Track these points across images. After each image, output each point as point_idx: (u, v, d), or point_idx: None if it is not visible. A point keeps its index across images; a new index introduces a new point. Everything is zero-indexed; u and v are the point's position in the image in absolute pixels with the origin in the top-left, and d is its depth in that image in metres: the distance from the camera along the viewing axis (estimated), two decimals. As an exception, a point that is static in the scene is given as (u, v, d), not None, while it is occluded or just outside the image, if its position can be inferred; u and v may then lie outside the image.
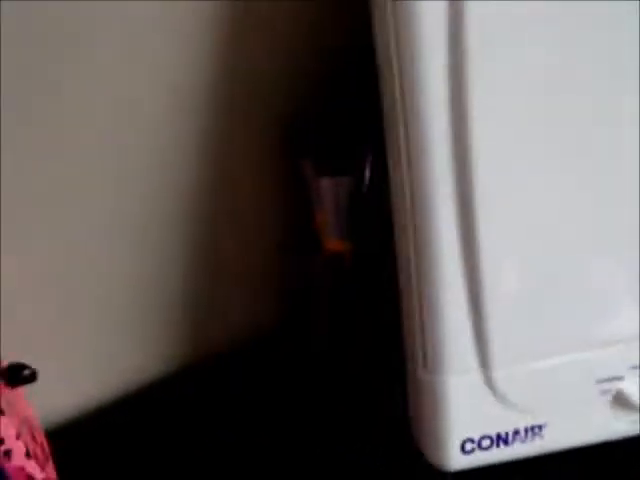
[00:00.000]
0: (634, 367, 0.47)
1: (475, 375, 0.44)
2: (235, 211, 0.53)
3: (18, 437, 0.36)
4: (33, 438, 0.39)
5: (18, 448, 0.36)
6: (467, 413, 0.46)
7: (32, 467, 0.36)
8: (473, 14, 0.37)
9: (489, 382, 0.45)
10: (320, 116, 0.49)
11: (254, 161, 0.52)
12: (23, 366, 0.38)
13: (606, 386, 0.47)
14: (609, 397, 0.47)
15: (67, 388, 0.51)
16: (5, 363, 0.39)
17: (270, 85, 0.51)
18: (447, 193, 0.41)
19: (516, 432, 0.46)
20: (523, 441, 0.47)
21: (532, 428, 0.47)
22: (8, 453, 0.35)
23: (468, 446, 0.46)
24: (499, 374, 0.44)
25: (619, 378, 0.46)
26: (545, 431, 0.47)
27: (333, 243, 0.50)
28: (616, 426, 0.48)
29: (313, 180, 0.50)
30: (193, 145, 0.50)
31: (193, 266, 0.54)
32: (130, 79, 0.46)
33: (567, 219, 0.43)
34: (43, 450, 0.40)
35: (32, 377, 0.38)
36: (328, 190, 0.50)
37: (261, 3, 0.48)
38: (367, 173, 0.47)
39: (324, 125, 0.49)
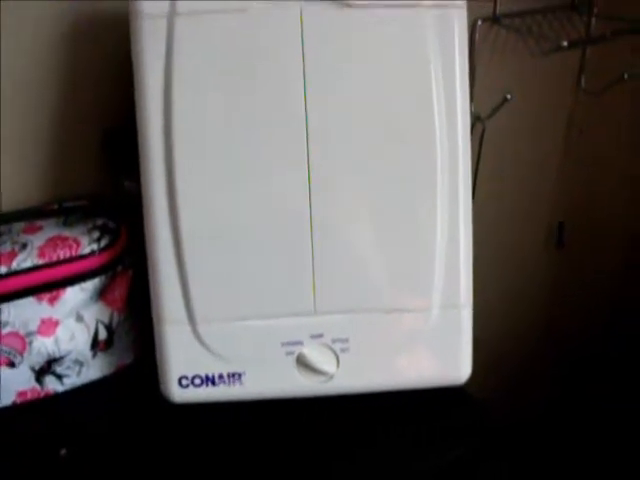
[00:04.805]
0: (313, 336, 0.62)
1: (185, 327, 0.61)
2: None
3: None
4: None
5: None
6: (181, 355, 0.62)
7: None
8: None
9: (196, 333, 0.61)
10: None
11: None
12: None
13: (290, 348, 0.62)
14: (293, 358, 0.62)
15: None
16: None
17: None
18: (160, 193, 0.59)
19: (220, 376, 0.62)
20: (226, 384, 0.62)
21: (233, 375, 0.62)
22: None
23: (184, 382, 0.62)
24: (202, 328, 0.61)
25: (300, 343, 0.62)
26: (244, 379, 0.62)
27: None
28: (303, 384, 0.63)
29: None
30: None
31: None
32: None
33: (253, 218, 0.59)
34: None
35: None
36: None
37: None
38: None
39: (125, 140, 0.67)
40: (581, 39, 0.87)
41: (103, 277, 0.65)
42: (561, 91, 0.96)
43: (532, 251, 1.07)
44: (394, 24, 0.58)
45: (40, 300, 0.63)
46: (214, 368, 0.62)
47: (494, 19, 0.85)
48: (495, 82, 0.86)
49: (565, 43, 0.78)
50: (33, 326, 0.63)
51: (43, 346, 0.63)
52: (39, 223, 0.66)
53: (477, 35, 0.84)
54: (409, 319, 0.62)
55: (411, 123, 0.59)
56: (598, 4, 0.89)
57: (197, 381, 0.62)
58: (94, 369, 0.67)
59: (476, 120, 0.85)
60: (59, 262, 0.63)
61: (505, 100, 0.82)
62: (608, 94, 0.92)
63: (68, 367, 0.65)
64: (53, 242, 0.63)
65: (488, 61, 0.86)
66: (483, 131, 0.86)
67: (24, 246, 0.62)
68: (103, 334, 0.66)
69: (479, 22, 0.83)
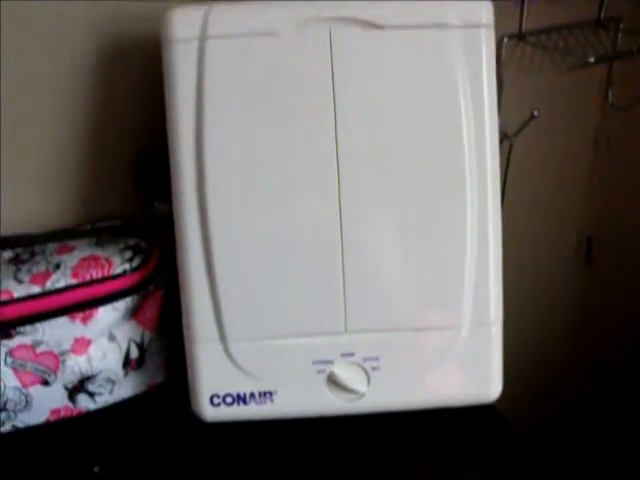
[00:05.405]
0: (344, 355, 0.62)
1: (216, 346, 0.61)
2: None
3: None
4: None
5: None
6: (212, 374, 0.62)
7: None
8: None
9: (227, 352, 0.61)
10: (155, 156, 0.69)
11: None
12: None
13: (321, 367, 0.62)
14: (324, 376, 0.62)
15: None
16: None
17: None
18: (192, 214, 0.59)
19: (252, 394, 0.62)
20: (258, 403, 0.63)
21: (264, 393, 0.62)
22: None
23: (215, 400, 0.63)
24: (234, 347, 0.61)
25: (331, 362, 0.62)
26: (275, 398, 0.62)
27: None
28: (334, 402, 0.63)
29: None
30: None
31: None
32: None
33: (284, 239, 0.60)
34: None
35: None
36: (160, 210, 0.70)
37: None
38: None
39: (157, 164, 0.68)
40: (608, 54, 0.87)
41: (135, 296, 0.66)
42: (588, 106, 0.95)
43: (561, 266, 1.06)
44: (422, 44, 0.58)
45: (73, 319, 0.63)
46: (245, 387, 0.62)
47: (520, 36, 0.85)
48: (522, 99, 0.86)
49: (592, 59, 0.78)
50: (66, 345, 0.64)
51: (76, 365, 0.64)
52: (72, 243, 0.67)
53: (503, 52, 0.84)
54: (439, 337, 0.62)
55: (440, 142, 0.59)
56: (624, 20, 0.88)
57: (228, 400, 0.62)
58: (126, 387, 0.68)
59: (504, 137, 0.85)
60: (92, 282, 0.64)
61: (532, 117, 0.82)
62: (636, 108, 0.91)
63: (100, 385, 0.66)
64: (86, 262, 0.64)
65: (515, 78, 0.86)
66: (510, 148, 0.86)
67: (58, 266, 0.63)
68: (135, 353, 0.67)
69: (505, 39, 0.83)
